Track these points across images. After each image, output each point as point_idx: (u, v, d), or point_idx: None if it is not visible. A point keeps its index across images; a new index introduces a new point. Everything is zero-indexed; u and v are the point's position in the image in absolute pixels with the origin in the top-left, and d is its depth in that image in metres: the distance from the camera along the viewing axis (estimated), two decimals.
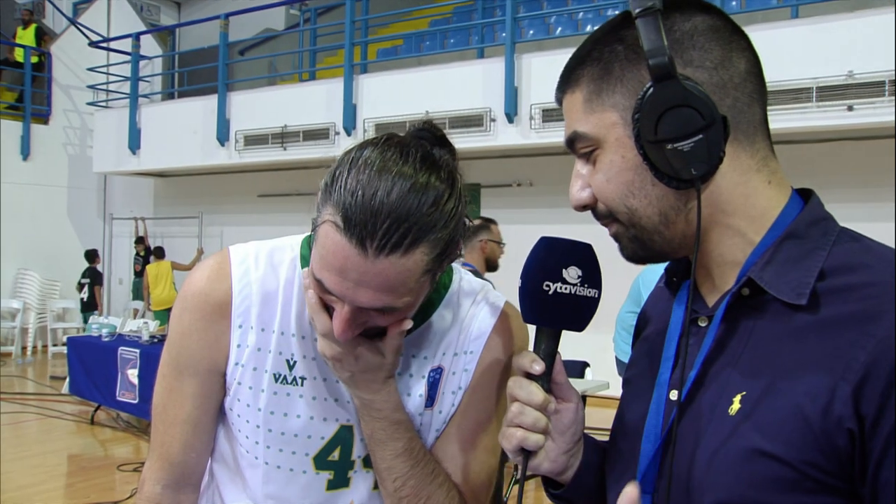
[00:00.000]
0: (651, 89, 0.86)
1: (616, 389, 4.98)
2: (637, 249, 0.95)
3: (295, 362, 1.20)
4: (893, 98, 6.56)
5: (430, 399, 1.23)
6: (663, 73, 0.85)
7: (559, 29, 9.73)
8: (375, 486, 1.24)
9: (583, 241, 1.00)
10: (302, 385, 1.20)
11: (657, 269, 5.56)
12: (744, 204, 0.91)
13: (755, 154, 0.92)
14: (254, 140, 10.52)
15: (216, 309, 1.20)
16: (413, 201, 1.00)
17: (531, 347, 1.03)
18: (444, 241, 1.05)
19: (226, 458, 1.28)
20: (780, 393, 0.82)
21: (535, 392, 0.97)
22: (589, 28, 9.21)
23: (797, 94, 6.93)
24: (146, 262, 12.49)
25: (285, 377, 1.20)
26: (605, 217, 0.96)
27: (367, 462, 1.22)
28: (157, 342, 7.22)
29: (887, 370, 0.76)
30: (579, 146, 0.95)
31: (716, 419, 0.86)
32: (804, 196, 0.94)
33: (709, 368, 0.90)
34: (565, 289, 0.97)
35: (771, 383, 0.83)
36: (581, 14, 9.54)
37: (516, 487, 0.97)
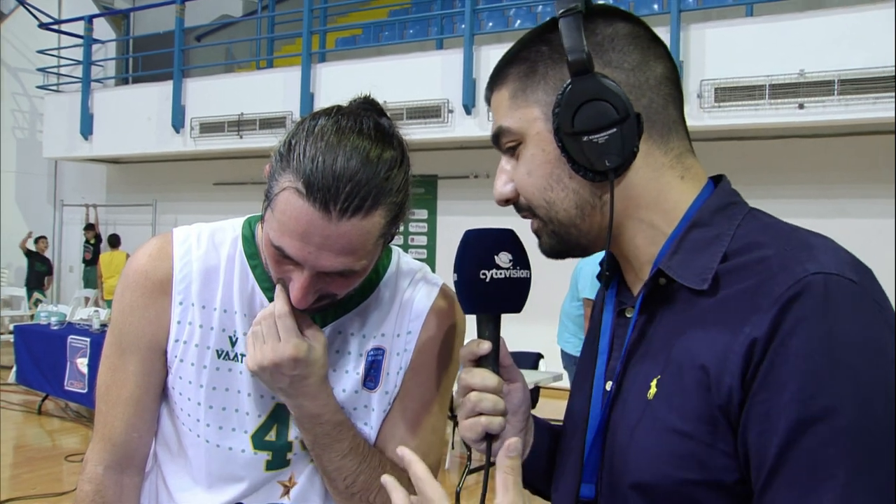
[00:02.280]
0: (570, 84, 0.91)
1: (568, 381, 5.05)
2: (555, 244, 0.99)
3: (237, 339, 1.23)
4: (843, 97, 6.70)
5: (374, 380, 1.26)
6: (581, 69, 0.91)
7: (518, 21, 9.77)
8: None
9: (504, 227, 1.04)
10: (242, 362, 1.22)
11: (592, 261, 5.59)
12: (657, 198, 0.95)
13: (669, 151, 0.95)
14: (209, 128, 10.39)
15: (157, 286, 1.22)
16: (371, 167, 1.05)
17: (473, 334, 1.06)
18: (397, 205, 1.10)
19: (168, 440, 1.29)
20: (685, 372, 0.86)
21: (489, 377, 1.00)
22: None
23: (751, 92, 7.05)
24: (96, 250, 12.29)
25: (227, 353, 1.23)
26: (526, 211, 1.00)
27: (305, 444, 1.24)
28: None
29: (766, 341, 0.79)
30: (504, 141, 0.99)
31: (640, 406, 0.90)
32: (718, 184, 0.98)
33: (632, 357, 0.95)
34: (500, 273, 1.01)
35: (678, 366, 0.87)
36: (540, 7, 9.58)
37: (471, 476, 0.98)
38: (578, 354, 6.33)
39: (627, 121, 0.91)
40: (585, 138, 0.91)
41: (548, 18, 1.00)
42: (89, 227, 12.81)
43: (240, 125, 10.09)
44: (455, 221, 9.80)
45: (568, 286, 5.37)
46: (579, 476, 0.97)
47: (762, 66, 6.98)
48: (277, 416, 1.23)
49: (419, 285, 1.29)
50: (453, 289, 1.07)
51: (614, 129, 0.91)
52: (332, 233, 1.04)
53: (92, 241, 12.58)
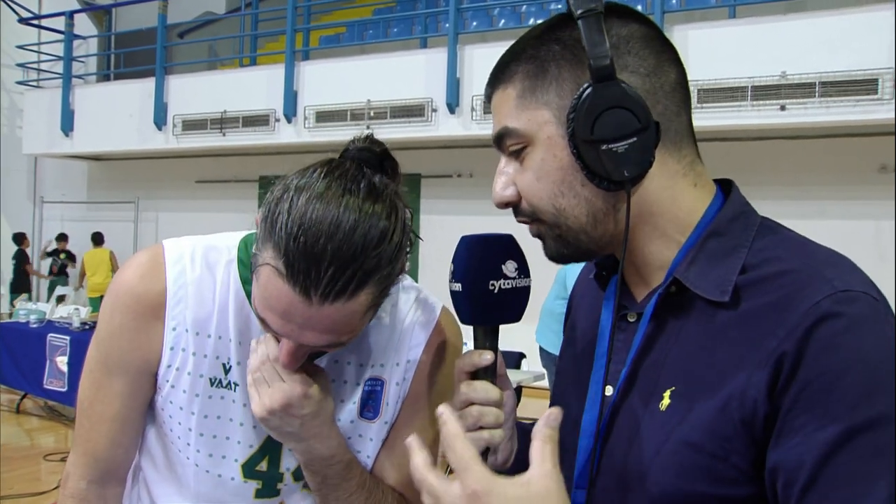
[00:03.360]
0: (590, 89, 0.87)
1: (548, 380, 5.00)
2: (562, 248, 0.96)
3: (230, 367, 1.18)
4: (823, 100, 6.75)
5: (373, 410, 1.22)
6: (604, 74, 0.86)
7: (502, 21, 9.77)
8: (305, 486, 1.23)
9: (503, 233, 1.00)
10: (235, 391, 1.18)
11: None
12: (671, 206, 0.93)
13: (682, 159, 0.93)
14: (192, 125, 10.34)
15: (149, 310, 1.16)
16: (357, 243, 0.97)
17: (469, 347, 1.02)
18: (387, 276, 1.02)
19: (154, 454, 1.26)
20: (705, 387, 0.84)
21: (492, 390, 0.96)
22: (532, 21, 9.27)
23: (733, 93, 7.10)
24: (63, 267, 12.09)
25: (220, 381, 1.18)
26: (528, 216, 0.96)
27: (297, 475, 1.21)
28: (89, 329, 7.04)
29: (797, 356, 0.78)
30: (509, 143, 0.94)
31: (648, 415, 0.88)
32: (725, 190, 0.97)
33: (640, 365, 0.92)
34: (508, 284, 0.97)
35: (698, 378, 0.85)
36: (524, 7, 9.59)
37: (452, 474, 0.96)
38: (557, 353, 6.31)
39: (647, 130, 0.87)
40: (604, 147, 0.87)
41: (554, 15, 0.95)
42: (62, 237, 12.52)
43: (223, 123, 10.04)
44: (438, 220, 9.78)
45: (548, 284, 5.36)
46: (570, 482, 0.93)
47: (744, 67, 7.03)
48: (269, 447, 1.20)
49: (418, 310, 1.24)
50: (449, 299, 1.03)
51: (634, 139, 0.87)
52: (313, 315, 0.98)
53: (62, 257, 12.31)
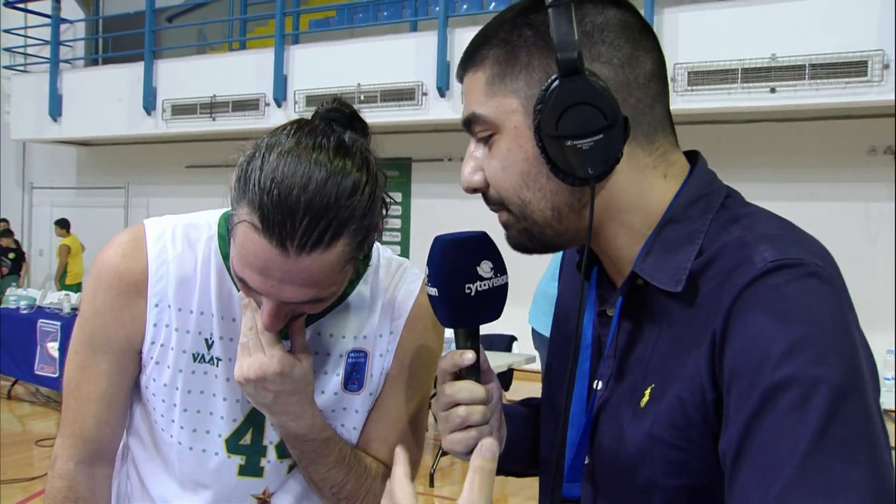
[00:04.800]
0: (556, 83, 0.84)
1: (541, 363, 5.02)
2: (526, 241, 0.94)
3: (213, 342, 1.19)
4: (813, 82, 6.76)
5: (357, 383, 1.23)
6: (571, 69, 0.83)
7: (493, 4, 9.72)
8: (289, 471, 1.25)
9: (476, 231, 0.98)
10: (218, 365, 1.19)
11: None
12: (638, 200, 0.90)
13: (653, 152, 0.90)
14: (182, 110, 10.29)
15: (131, 287, 1.18)
16: (330, 193, 0.98)
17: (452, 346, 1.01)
18: (365, 228, 1.04)
19: (141, 433, 1.27)
20: (672, 379, 0.84)
21: (476, 389, 0.96)
22: None
23: (724, 75, 7.10)
24: (18, 261, 11.77)
25: (203, 356, 1.19)
26: (496, 204, 0.94)
27: (280, 451, 1.22)
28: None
29: (723, 333, 0.78)
30: (476, 129, 0.92)
31: (630, 412, 0.88)
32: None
33: (626, 361, 0.91)
34: (484, 285, 0.95)
35: (667, 372, 0.85)
36: None
37: (444, 458, 0.96)
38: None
39: (615, 126, 0.84)
40: (569, 143, 0.84)
41: None
42: (6, 233, 11.97)
43: (212, 107, 10.00)
44: (429, 204, 9.78)
45: (542, 267, 5.35)
46: (558, 478, 0.94)
47: (735, 50, 7.02)
48: (253, 421, 1.21)
49: (400, 283, 1.25)
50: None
51: (600, 136, 0.84)
52: (291, 268, 0.99)
53: (11, 256, 11.81)
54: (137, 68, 10.69)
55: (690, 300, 0.84)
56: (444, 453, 5.63)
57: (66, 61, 12.29)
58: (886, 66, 6.48)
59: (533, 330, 5.48)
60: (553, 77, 0.84)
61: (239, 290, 1.15)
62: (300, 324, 1.13)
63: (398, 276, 1.26)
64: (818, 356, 0.73)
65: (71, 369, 1.23)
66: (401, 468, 0.86)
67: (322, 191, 0.98)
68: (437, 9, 8.67)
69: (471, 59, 0.93)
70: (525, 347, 6.09)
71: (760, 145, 8.08)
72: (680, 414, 0.82)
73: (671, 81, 5.12)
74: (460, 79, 0.95)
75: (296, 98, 9.28)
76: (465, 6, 9.73)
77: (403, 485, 0.84)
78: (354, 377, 1.23)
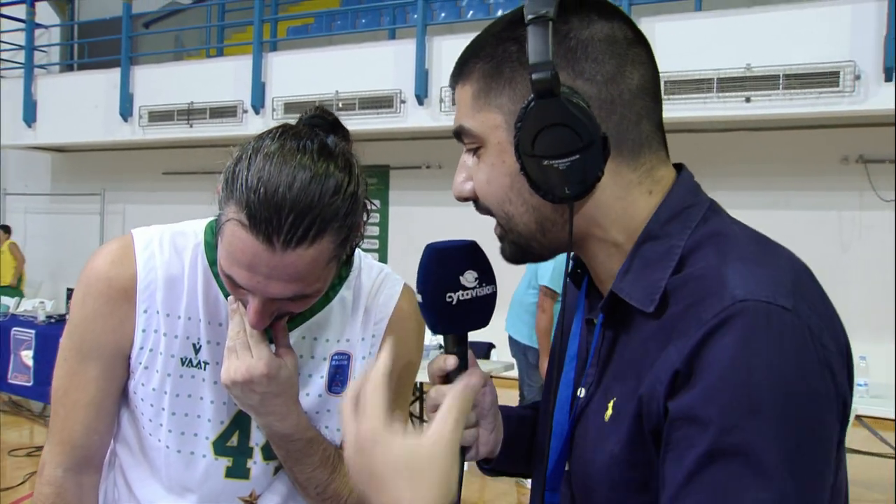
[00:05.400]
0: (532, 104, 0.83)
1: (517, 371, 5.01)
2: (515, 252, 0.94)
3: (200, 346, 1.22)
4: (787, 91, 6.85)
5: (341, 385, 1.26)
6: (545, 90, 0.82)
7: (471, 13, 9.77)
8: (275, 472, 1.27)
9: (467, 240, 1.00)
10: (205, 369, 1.22)
11: None
12: (622, 216, 0.89)
13: (638, 168, 0.89)
14: (159, 116, 10.23)
15: (120, 293, 1.21)
16: (314, 192, 1.03)
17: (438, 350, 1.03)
18: (348, 227, 1.08)
19: (128, 439, 1.28)
20: (630, 397, 0.83)
21: None
22: (500, 12, 9.26)
23: (699, 85, 7.17)
24: None
25: (191, 360, 1.22)
26: (486, 212, 0.94)
27: (266, 453, 1.24)
28: (55, 322, 6.97)
29: (686, 373, 0.76)
30: (465, 140, 0.93)
31: (597, 426, 0.88)
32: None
33: (603, 372, 0.91)
34: (467, 294, 0.97)
35: (629, 390, 0.84)
36: None
37: None
38: (527, 343, 6.23)
39: (592, 146, 0.83)
40: (545, 162, 0.84)
41: (519, 6, 0.88)
42: None
43: (190, 114, 9.95)
44: (407, 212, 9.79)
45: (519, 275, 5.37)
46: (543, 484, 0.94)
47: (710, 60, 7.10)
48: (239, 423, 1.24)
49: (381, 288, 1.29)
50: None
51: (576, 156, 0.83)
52: (277, 263, 1.03)
53: None
54: (114, 74, 10.63)
55: (658, 318, 0.83)
56: None
57: (41, 66, 12.18)
58: (858, 77, 6.58)
59: (510, 337, 5.51)
60: (530, 97, 0.83)
61: (227, 296, 1.18)
62: (283, 324, 1.16)
63: (379, 281, 1.30)
64: (775, 428, 0.73)
65: (59, 377, 1.25)
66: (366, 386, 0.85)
67: (306, 189, 1.02)
68: (416, 16, 8.69)
69: (460, 71, 0.93)
70: (503, 355, 6.11)
71: (735, 154, 8.17)
72: (638, 435, 0.81)
73: None
74: (452, 88, 0.96)
75: (274, 105, 9.26)
76: (443, 14, 9.77)
77: (354, 410, 0.84)
78: (338, 379, 1.26)
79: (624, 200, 0.89)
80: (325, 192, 1.04)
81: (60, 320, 6.98)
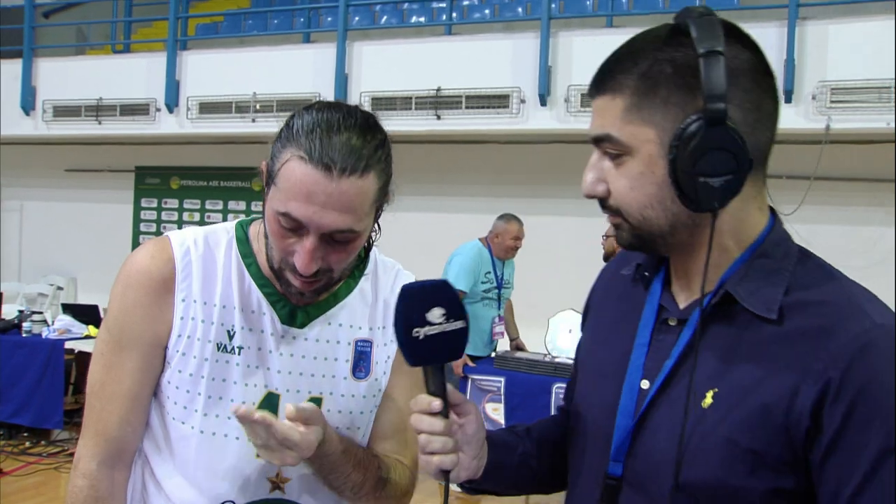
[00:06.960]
0: (699, 127, 0.93)
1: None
2: (634, 241, 1.04)
3: (234, 333, 1.32)
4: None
5: (364, 370, 1.38)
6: (717, 119, 0.92)
7: (384, 18, 9.83)
8: None
9: (438, 279, 1.09)
10: (238, 354, 1.31)
11: (465, 253, 5.78)
12: (737, 226, 1.01)
13: (756, 184, 1.01)
14: (64, 111, 9.86)
15: (160, 284, 1.30)
16: (362, 140, 1.21)
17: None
18: (386, 174, 1.26)
19: (155, 434, 1.35)
20: (746, 392, 0.95)
21: (436, 423, 1.06)
22: (414, 19, 9.43)
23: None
24: None
25: (225, 346, 1.31)
26: (613, 212, 1.03)
27: None
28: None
29: (841, 383, 0.90)
30: (608, 147, 1.00)
31: (690, 410, 0.98)
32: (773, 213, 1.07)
33: (682, 364, 1.01)
34: (433, 329, 1.05)
35: (739, 383, 0.96)
36: (406, 5, 9.70)
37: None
38: None
39: (742, 167, 0.94)
40: (701, 179, 0.93)
41: (666, 24, 0.99)
42: None
43: (98, 110, 9.67)
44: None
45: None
46: (608, 456, 1.06)
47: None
48: (268, 404, 1.32)
49: (395, 281, 1.42)
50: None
51: (731, 176, 0.93)
52: (333, 190, 1.17)
53: None
54: (15, 66, 10.20)
55: (780, 330, 0.95)
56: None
57: None
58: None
59: None
60: (694, 118, 0.94)
61: (259, 286, 1.31)
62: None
63: (393, 276, 1.44)
64: None
65: (95, 372, 1.32)
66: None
67: (356, 135, 1.21)
68: (329, 20, 8.69)
69: (607, 83, 1.01)
70: None
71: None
72: (764, 425, 0.93)
73: (565, 102, 5.50)
74: (592, 96, 1.03)
75: (188, 104, 9.15)
76: (356, 18, 9.79)
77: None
78: (361, 365, 1.38)
79: (742, 212, 1.01)
80: (370, 142, 1.21)
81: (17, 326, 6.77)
